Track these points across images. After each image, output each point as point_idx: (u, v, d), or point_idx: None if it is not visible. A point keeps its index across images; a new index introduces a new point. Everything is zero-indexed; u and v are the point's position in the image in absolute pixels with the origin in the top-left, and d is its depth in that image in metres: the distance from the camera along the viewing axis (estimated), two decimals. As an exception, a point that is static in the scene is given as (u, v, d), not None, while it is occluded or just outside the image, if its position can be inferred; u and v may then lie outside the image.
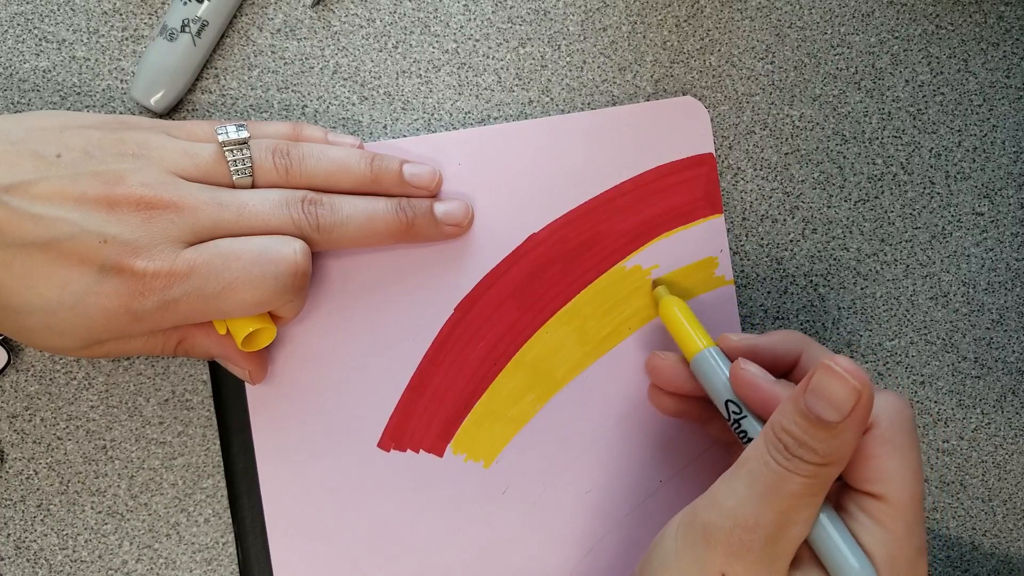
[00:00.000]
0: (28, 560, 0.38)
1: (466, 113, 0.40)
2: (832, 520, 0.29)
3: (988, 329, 0.42)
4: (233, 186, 0.34)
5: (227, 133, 0.34)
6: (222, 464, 0.38)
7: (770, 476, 0.28)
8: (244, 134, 0.34)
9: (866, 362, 0.42)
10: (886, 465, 0.29)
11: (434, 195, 0.38)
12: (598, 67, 0.40)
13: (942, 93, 0.42)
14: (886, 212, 0.42)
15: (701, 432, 0.39)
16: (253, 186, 0.34)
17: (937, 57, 0.42)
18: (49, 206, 0.30)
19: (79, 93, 0.39)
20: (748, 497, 0.28)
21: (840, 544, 0.28)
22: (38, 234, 0.30)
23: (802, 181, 0.41)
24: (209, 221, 0.32)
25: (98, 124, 0.33)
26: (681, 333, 0.36)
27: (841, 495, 0.30)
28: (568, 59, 0.40)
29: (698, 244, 0.40)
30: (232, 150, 0.34)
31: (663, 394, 0.37)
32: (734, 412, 0.33)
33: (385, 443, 0.38)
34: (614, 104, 0.40)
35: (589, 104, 0.40)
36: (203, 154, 0.33)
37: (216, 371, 0.38)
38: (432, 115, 0.40)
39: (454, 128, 0.40)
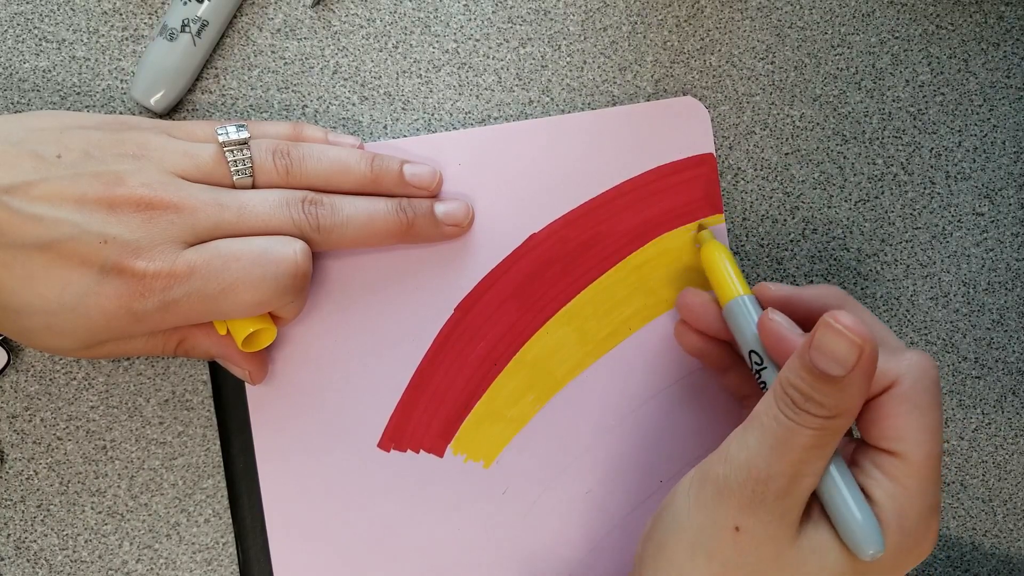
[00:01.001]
0: (28, 560, 0.38)
1: (466, 113, 0.40)
2: (841, 472, 0.29)
3: (988, 329, 0.42)
4: (234, 186, 0.34)
5: (227, 133, 0.34)
6: (222, 464, 0.38)
7: (780, 429, 0.28)
8: (244, 134, 0.34)
9: (866, 362, 0.42)
10: (903, 423, 0.29)
11: (434, 195, 0.38)
12: (598, 67, 0.40)
13: (942, 93, 0.42)
14: (886, 212, 0.42)
15: (701, 432, 0.39)
16: (253, 186, 0.34)
17: (937, 57, 0.42)
18: (49, 207, 0.30)
19: (79, 93, 0.39)
20: (759, 450, 0.28)
21: (846, 495, 0.29)
22: (38, 235, 0.30)
23: (802, 181, 0.41)
24: (209, 222, 0.32)
25: (98, 124, 0.33)
26: (719, 278, 0.36)
27: (857, 451, 0.31)
28: (568, 59, 0.40)
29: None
30: (232, 150, 0.34)
31: (689, 331, 0.37)
32: (756, 362, 0.33)
33: (385, 443, 0.38)
34: (614, 104, 0.40)
35: (589, 104, 0.40)
36: (203, 154, 0.33)
37: (216, 371, 0.38)
38: (432, 115, 0.40)
39: (454, 128, 0.40)
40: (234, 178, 0.34)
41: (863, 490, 0.29)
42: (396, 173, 0.36)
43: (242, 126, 0.34)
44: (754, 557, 0.28)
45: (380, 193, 0.36)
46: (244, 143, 0.34)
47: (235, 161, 0.34)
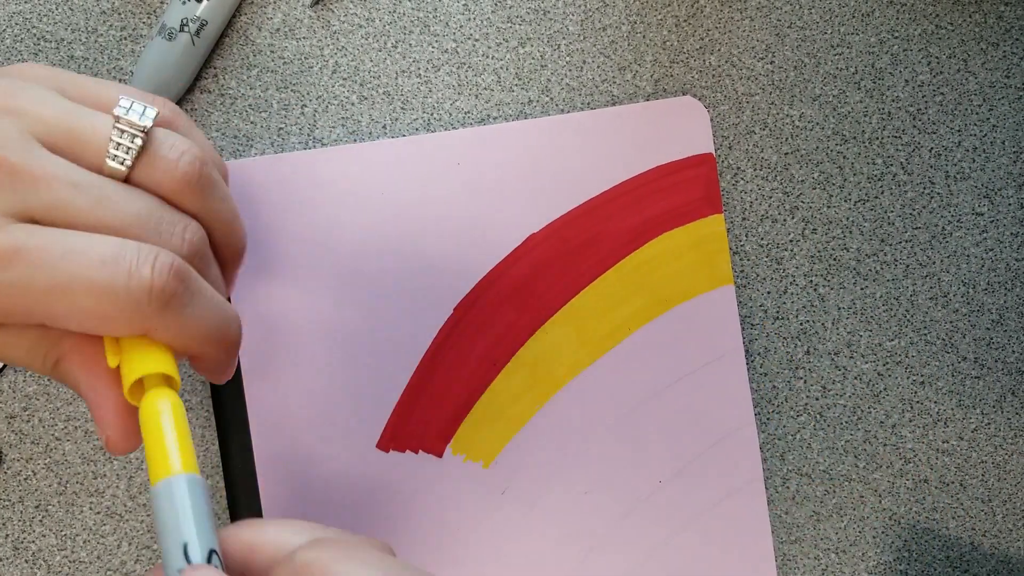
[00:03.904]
0: (27, 561, 0.38)
1: (465, 113, 0.40)
2: None
3: (988, 329, 0.42)
4: (102, 172, 0.27)
5: (129, 109, 0.27)
6: (221, 465, 0.38)
7: None
8: (149, 120, 0.27)
9: (866, 363, 0.42)
10: None
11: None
12: (598, 67, 0.40)
13: (942, 93, 0.42)
14: (886, 212, 0.42)
15: (701, 432, 0.39)
16: (126, 181, 0.27)
17: (937, 57, 0.42)
18: None
19: (78, 93, 0.38)
20: None
21: None
22: None
23: (802, 181, 0.41)
24: (53, 200, 0.25)
25: None
26: (154, 445, 0.25)
27: None
28: (568, 59, 0.40)
29: (697, 244, 0.40)
30: (123, 129, 0.26)
31: None
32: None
33: (384, 444, 0.38)
34: (614, 104, 0.40)
35: (589, 104, 0.40)
36: (83, 122, 0.27)
37: (215, 371, 0.38)
38: (431, 115, 0.40)
39: (453, 128, 0.40)
40: (106, 159, 0.26)
41: None
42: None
43: (152, 109, 0.27)
44: None
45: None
46: (144, 130, 0.27)
47: (119, 144, 0.26)
